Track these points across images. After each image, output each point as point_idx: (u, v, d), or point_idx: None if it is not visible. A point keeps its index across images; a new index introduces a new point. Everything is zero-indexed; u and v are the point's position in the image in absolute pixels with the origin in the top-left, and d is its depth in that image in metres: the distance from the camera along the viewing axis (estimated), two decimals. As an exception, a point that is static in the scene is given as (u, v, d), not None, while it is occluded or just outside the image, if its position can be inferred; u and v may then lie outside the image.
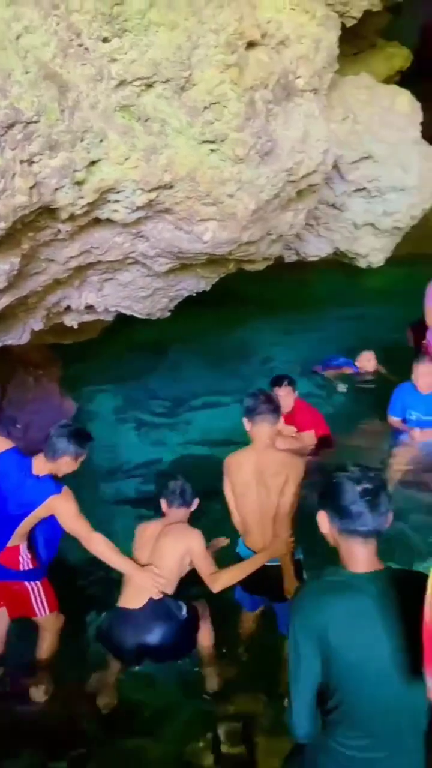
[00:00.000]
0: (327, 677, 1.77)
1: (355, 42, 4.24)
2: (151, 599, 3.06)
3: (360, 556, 1.80)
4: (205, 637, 3.27)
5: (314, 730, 1.80)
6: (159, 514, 3.39)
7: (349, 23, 3.58)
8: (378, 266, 4.43)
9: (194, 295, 3.98)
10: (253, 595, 3.34)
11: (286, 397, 4.51)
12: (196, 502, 3.35)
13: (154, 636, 3.00)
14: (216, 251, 3.30)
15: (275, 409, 3.18)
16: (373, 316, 7.78)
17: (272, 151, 3.12)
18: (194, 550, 3.11)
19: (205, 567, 3.09)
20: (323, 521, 1.86)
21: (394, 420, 5.10)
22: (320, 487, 1.89)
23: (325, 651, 1.74)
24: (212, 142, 2.95)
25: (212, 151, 2.98)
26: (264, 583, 3.19)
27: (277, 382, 4.57)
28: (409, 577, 1.78)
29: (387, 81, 4.26)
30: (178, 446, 5.66)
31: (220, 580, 3.05)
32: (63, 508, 3.00)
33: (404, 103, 3.66)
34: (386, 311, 7.57)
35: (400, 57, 4.20)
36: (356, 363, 6.22)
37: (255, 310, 8.03)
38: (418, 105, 3.76)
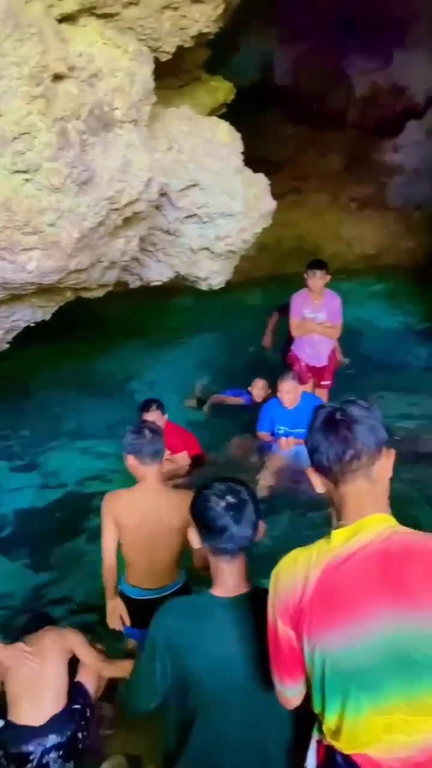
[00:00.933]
0: (185, 700, 1.77)
1: (179, 75, 4.42)
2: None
3: (226, 577, 1.80)
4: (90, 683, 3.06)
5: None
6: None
7: (164, 58, 3.72)
8: (220, 287, 4.58)
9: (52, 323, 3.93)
10: (141, 629, 3.25)
11: (156, 421, 4.52)
12: None
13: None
14: (43, 280, 3.28)
15: (160, 442, 2.97)
16: (247, 334, 7.95)
17: (91, 180, 3.16)
18: (75, 647, 2.95)
19: (92, 658, 2.96)
20: (194, 538, 1.85)
21: (263, 434, 5.28)
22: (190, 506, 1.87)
23: (180, 673, 1.75)
24: (25, 171, 2.95)
25: (26, 180, 2.98)
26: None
27: (146, 407, 4.50)
28: None
29: (213, 113, 4.47)
30: (38, 487, 5.46)
31: (106, 670, 2.97)
32: None
33: (224, 133, 3.85)
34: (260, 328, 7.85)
35: (223, 90, 4.43)
36: (250, 391, 6.13)
37: (121, 335, 8.02)
38: (237, 135, 3.97)
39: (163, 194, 3.86)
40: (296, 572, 1.47)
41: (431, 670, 1.34)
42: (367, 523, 1.43)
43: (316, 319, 5.68)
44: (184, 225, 4.13)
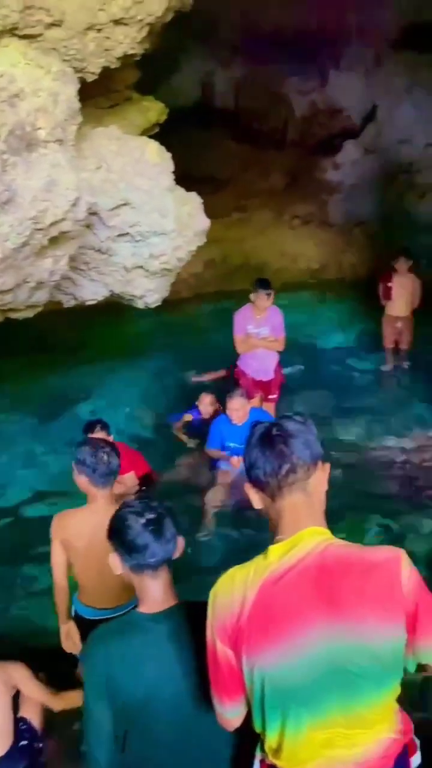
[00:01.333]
0: (120, 721, 1.72)
1: (109, 95, 4.43)
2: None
3: (152, 593, 1.78)
4: (36, 717, 2.94)
5: None
6: None
7: (90, 78, 3.73)
8: (154, 306, 4.57)
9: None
10: None
11: None
12: None
13: None
14: (-34, 302, 3.22)
15: (115, 462, 2.86)
16: (195, 350, 7.94)
17: (12, 199, 3.13)
18: (20, 682, 2.83)
19: (38, 692, 2.85)
20: (115, 563, 1.81)
21: (213, 452, 5.26)
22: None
23: (114, 696, 1.69)
24: None
25: None
26: None
27: (90, 428, 4.36)
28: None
29: (145, 132, 4.49)
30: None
31: (54, 703, 2.86)
32: None
33: (153, 152, 3.87)
34: (205, 344, 7.87)
35: (155, 110, 4.46)
36: (198, 406, 6.04)
37: (67, 352, 7.91)
38: (167, 155, 3.99)
39: (92, 213, 3.85)
40: (234, 591, 1.46)
41: (366, 682, 1.36)
42: (304, 537, 1.44)
43: (260, 334, 5.74)
44: (117, 244, 4.12)
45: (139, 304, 4.44)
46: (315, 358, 7.82)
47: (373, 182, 9.88)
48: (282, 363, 6.09)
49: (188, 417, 6.13)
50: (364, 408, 6.43)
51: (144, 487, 4.82)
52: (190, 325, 9.29)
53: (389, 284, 7.42)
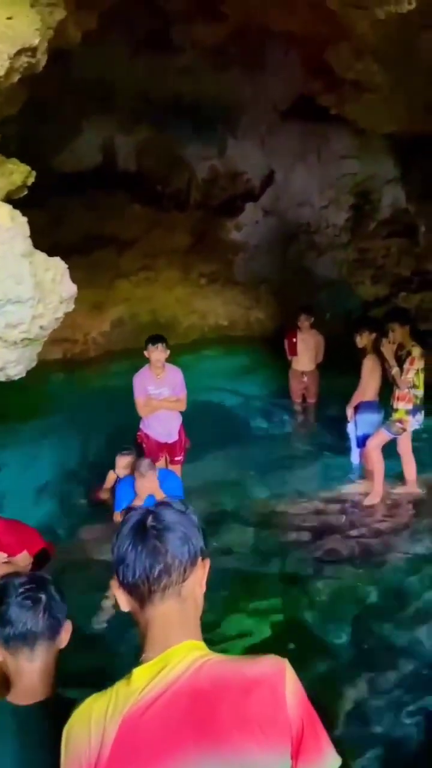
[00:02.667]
0: None
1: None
2: None
3: (24, 680, 1.63)
4: None
5: None
6: None
7: None
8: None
9: None
10: None
11: None
12: None
13: None
14: None
15: None
16: (105, 412, 7.67)
17: None
18: None
19: None
20: None
21: (121, 514, 5.01)
22: None
23: None
24: None
25: None
26: None
27: None
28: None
29: (11, 195, 4.32)
30: None
31: None
32: None
33: (5, 216, 3.63)
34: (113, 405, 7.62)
35: (20, 173, 4.29)
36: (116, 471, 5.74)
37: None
38: (23, 219, 3.72)
39: None
40: (91, 727, 1.22)
41: None
42: (175, 655, 1.24)
43: (161, 394, 5.63)
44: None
45: (1, 377, 4.10)
46: (224, 415, 7.80)
47: (275, 242, 10.25)
48: (188, 423, 5.97)
49: (112, 476, 5.76)
50: (272, 464, 6.41)
51: (39, 565, 4.48)
52: (99, 385, 9.10)
53: (294, 340, 7.63)
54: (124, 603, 1.34)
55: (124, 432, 6.53)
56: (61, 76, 7.35)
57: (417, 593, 4.30)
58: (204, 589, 1.37)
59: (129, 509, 2.17)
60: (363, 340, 5.69)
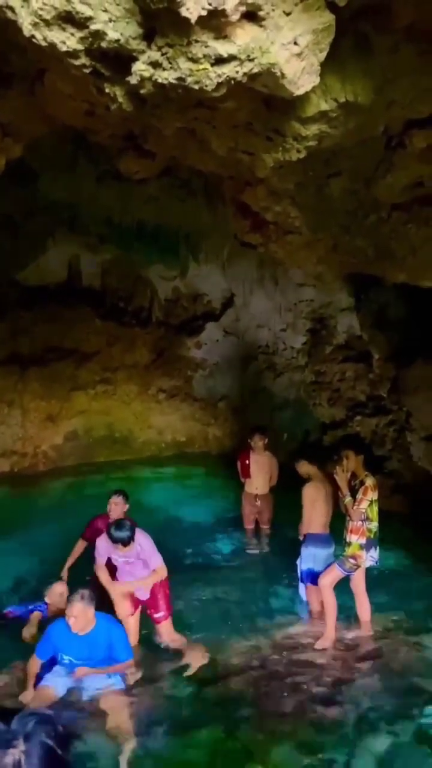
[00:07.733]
0: None
1: None
2: None
3: None
4: None
5: None
6: None
7: None
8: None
9: None
10: None
11: None
12: None
13: None
14: None
15: None
16: (52, 531, 7.20)
17: None
18: None
19: None
20: None
21: (35, 663, 4.34)
22: None
23: None
24: None
25: None
26: None
27: None
28: None
29: None
30: None
31: None
32: None
33: None
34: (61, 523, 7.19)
35: None
36: (46, 599, 5.19)
37: None
38: None
39: None
40: None
41: None
42: None
43: (128, 559, 4.80)
44: None
45: None
46: (179, 538, 7.34)
47: (234, 361, 10.36)
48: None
49: (37, 615, 5.13)
50: (224, 598, 5.94)
51: None
52: (46, 501, 8.66)
53: (247, 462, 7.35)
54: None
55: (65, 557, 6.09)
56: (29, 197, 7.59)
57: None
58: None
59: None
60: (302, 467, 5.52)
